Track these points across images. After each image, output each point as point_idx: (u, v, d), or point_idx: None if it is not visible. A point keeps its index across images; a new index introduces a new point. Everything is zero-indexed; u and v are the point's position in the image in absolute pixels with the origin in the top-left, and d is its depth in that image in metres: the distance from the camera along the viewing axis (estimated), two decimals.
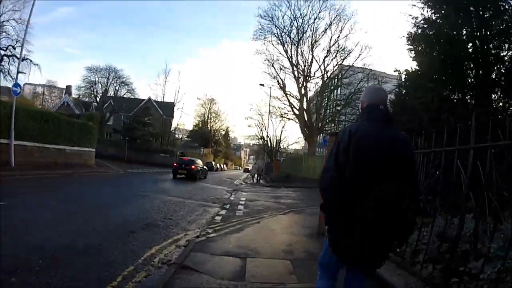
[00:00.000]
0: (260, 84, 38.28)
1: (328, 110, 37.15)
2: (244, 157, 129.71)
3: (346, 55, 35.49)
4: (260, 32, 37.12)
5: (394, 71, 9.46)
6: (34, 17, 48.47)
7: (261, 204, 14.38)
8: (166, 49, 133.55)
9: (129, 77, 55.66)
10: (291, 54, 36.09)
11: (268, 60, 37.50)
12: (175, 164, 27.62)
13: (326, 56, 35.85)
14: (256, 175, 37.49)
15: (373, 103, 2.79)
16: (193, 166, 26.14)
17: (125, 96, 55.03)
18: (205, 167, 32.99)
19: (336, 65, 36.17)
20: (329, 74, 36.57)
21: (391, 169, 2.47)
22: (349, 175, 2.52)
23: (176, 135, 72.44)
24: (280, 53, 36.66)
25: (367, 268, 2.84)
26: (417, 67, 8.35)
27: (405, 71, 8.66)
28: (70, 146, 22.38)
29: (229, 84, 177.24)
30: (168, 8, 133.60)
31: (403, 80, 9.10)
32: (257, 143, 62.80)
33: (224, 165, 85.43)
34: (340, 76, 35.97)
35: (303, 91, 36.45)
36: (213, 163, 63.74)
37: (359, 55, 34.91)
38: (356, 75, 35.53)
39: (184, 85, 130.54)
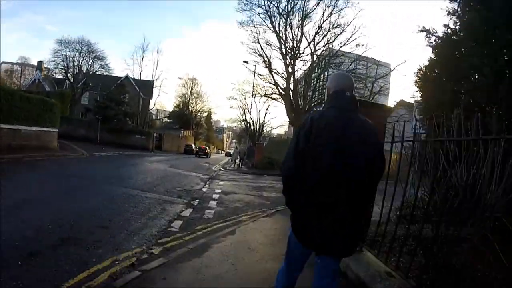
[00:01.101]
0: (244, 61, 35.25)
1: (316, 92, 33.92)
2: (227, 141, 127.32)
3: (339, 33, 32.54)
4: (246, 2, 33.48)
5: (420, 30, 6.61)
6: None
7: (240, 199, 11.69)
8: (147, 28, 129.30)
9: (103, 52, 50.89)
10: (279, 29, 32.86)
11: (254, 36, 34.13)
12: (196, 150, 54.73)
13: (317, 33, 32.74)
14: (237, 160, 35.62)
15: (338, 89, 2.73)
16: (206, 150, 53.43)
17: (98, 72, 50.24)
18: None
19: (327, 43, 33.15)
20: (319, 53, 33.63)
21: (356, 158, 2.46)
22: (311, 162, 2.50)
23: (155, 116, 69.03)
24: (267, 27, 33.32)
25: (334, 256, 2.65)
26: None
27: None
28: (26, 126, 19.03)
29: (213, 66, 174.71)
30: None
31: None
32: (240, 126, 59.74)
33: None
34: (330, 55, 33.02)
35: (290, 70, 33.32)
36: (193, 146, 61.03)
37: (352, 34, 32.01)
38: (347, 57, 33.00)
39: (165, 64, 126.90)
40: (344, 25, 32.09)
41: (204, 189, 13.27)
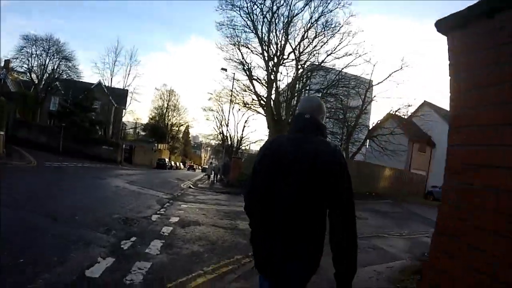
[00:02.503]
0: (222, 69, 31.44)
1: None
2: (205, 157, 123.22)
3: (325, 41, 29.39)
4: (226, 2, 29.54)
5: None
6: None
7: (203, 235, 7.92)
8: (129, 41, 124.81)
9: (72, 53, 45.53)
10: (262, 32, 29.43)
11: (235, 41, 30.38)
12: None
13: (303, 39, 29.47)
14: (212, 175, 32.34)
15: (299, 112, 2.58)
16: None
17: (64, 76, 44.98)
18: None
19: (313, 50, 29.82)
20: (303, 60, 30.34)
21: (313, 186, 2.25)
22: (264, 188, 2.40)
23: (128, 128, 64.30)
24: (250, 29, 29.73)
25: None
26: None
27: None
28: None
29: (193, 80, 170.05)
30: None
31: None
32: (217, 142, 55.48)
33: (181, 164, 78.41)
34: (314, 67, 30.01)
35: (272, 77, 29.71)
36: (166, 160, 57.06)
37: (340, 42, 28.88)
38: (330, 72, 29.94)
39: (145, 75, 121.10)
40: (332, 31, 28.98)
41: (155, 217, 9.39)
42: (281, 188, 2.32)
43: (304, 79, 30.73)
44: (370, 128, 32.31)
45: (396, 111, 30.29)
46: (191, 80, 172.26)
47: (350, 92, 30.09)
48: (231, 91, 31.98)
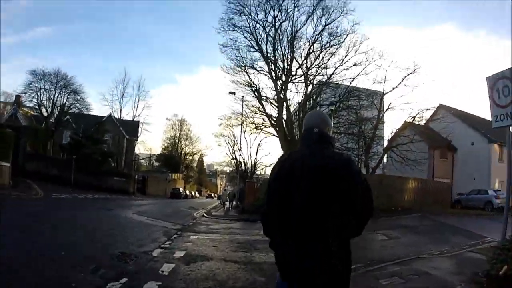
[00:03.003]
0: (230, 92, 30.18)
1: None
2: (221, 184, 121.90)
3: (333, 52, 28.27)
4: (228, 24, 28.89)
5: None
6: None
7: (211, 273, 6.52)
8: (139, 74, 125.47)
9: (81, 86, 44.98)
10: (267, 51, 28.45)
11: (240, 63, 29.46)
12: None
13: (309, 53, 28.43)
14: (227, 202, 31.39)
15: (307, 127, 2.65)
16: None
17: (74, 109, 44.58)
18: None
19: (320, 64, 28.77)
20: (312, 76, 29.24)
21: (327, 196, 2.29)
22: (281, 202, 2.42)
23: (141, 158, 63.10)
24: (254, 48, 28.77)
25: None
26: None
27: None
28: None
29: (204, 109, 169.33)
30: (142, 32, 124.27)
31: None
32: (231, 167, 53.89)
33: (196, 192, 77.25)
34: (322, 82, 28.97)
35: (282, 96, 28.54)
36: (181, 189, 55.94)
37: (346, 54, 27.70)
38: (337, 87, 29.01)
39: (156, 106, 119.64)
40: (338, 41, 27.98)
41: (157, 251, 8.07)
42: (295, 196, 2.35)
43: (314, 96, 29.48)
44: (389, 138, 30.65)
45: (414, 117, 28.56)
46: (202, 109, 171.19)
47: (362, 103, 28.75)
48: (241, 114, 30.77)
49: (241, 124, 31.87)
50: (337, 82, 28.87)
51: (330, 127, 2.70)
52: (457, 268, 7.71)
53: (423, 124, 33.07)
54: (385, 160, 32.12)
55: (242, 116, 30.90)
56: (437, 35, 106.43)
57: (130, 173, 43.57)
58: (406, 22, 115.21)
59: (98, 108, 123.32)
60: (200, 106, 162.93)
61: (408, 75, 27.44)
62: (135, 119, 54.73)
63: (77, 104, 45.10)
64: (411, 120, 29.19)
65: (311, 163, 2.37)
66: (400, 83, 27.86)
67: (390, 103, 28.56)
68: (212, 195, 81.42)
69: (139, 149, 56.98)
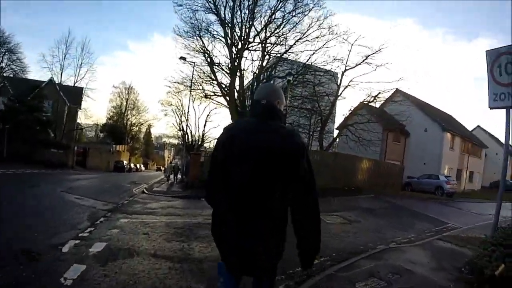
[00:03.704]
0: (181, 58, 27.41)
1: None
2: (168, 157, 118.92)
3: (296, 22, 26.51)
4: None
5: None
6: None
7: (131, 278, 4.90)
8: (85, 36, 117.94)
9: (18, 46, 40.95)
10: (225, 14, 26.07)
11: (195, 25, 26.74)
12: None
13: (269, 23, 26.39)
14: (171, 176, 30.70)
15: (256, 99, 2.64)
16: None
17: (8, 71, 40.62)
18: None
19: (281, 35, 26.89)
20: (269, 45, 27.29)
21: (270, 168, 2.31)
22: (227, 176, 2.39)
23: (82, 128, 58.77)
24: (210, 9, 26.19)
25: (258, 278, 2.53)
26: None
27: None
28: None
29: (155, 81, 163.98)
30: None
31: None
32: (178, 139, 51.16)
33: (142, 165, 74.39)
34: (280, 56, 27.38)
35: (236, 63, 26.41)
36: (125, 162, 53.33)
37: (310, 27, 26.23)
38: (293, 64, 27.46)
39: (106, 77, 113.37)
40: (302, 11, 26.14)
41: (69, 245, 6.32)
42: (237, 172, 2.32)
43: (270, 69, 27.96)
44: (346, 116, 30.06)
45: (374, 97, 28.10)
46: (153, 79, 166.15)
47: (320, 79, 27.83)
48: (191, 80, 28.50)
49: (190, 91, 29.66)
50: (296, 56, 27.59)
51: (281, 101, 2.64)
52: (436, 263, 6.77)
53: (378, 107, 33.56)
54: (340, 138, 31.58)
55: (191, 83, 28.70)
56: (399, 28, 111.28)
57: (68, 144, 40.43)
58: (370, 13, 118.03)
59: (37, 71, 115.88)
60: (151, 76, 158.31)
61: (373, 53, 26.94)
62: (77, 84, 51.02)
63: (13, 66, 41.19)
64: (371, 100, 28.82)
65: (255, 138, 2.35)
66: (363, 60, 27.27)
67: (351, 80, 27.90)
68: (161, 168, 79.10)
69: (81, 118, 53.10)
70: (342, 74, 28.14)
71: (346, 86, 28.09)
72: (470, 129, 53.86)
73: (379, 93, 27.98)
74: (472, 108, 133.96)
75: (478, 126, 59.53)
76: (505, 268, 4.91)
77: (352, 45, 27.35)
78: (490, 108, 6.70)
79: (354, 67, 27.79)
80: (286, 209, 2.39)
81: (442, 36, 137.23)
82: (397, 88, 30.28)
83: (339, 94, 28.55)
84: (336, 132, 32.41)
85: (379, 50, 26.85)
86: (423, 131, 37.04)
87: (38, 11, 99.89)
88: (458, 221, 13.65)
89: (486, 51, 6.90)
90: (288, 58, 27.56)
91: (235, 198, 2.31)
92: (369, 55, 26.93)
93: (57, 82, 48.56)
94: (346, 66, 27.74)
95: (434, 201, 23.06)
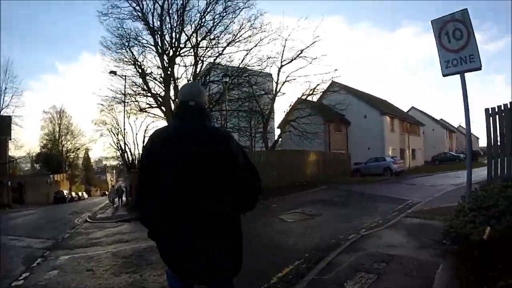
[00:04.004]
0: (111, 72, 25.98)
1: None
2: (111, 180, 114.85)
3: (227, 25, 25.91)
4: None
5: None
6: None
7: None
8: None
9: None
10: (153, 21, 24.87)
11: (123, 34, 25.37)
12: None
13: (200, 27, 25.54)
14: (116, 199, 29.75)
15: (183, 100, 2.54)
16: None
17: None
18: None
19: (212, 38, 26.10)
20: (201, 50, 26.40)
21: (201, 175, 2.27)
22: (158, 184, 2.30)
23: (14, 160, 54.63)
24: (138, 17, 24.99)
25: (205, 284, 2.42)
26: None
27: None
28: None
29: (87, 102, 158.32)
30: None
31: None
32: (118, 159, 48.33)
33: (84, 193, 70.25)
34: (217, 55, 26.43)
35: (169, 72, 25.30)
36: (65, 192, 50.45)
37: (241, 28, 25.81)
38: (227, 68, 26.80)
39: (35, 103, 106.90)
40: (233, 11, 25.52)
41: None
42: (167, 176, 2.27)
43: (204, 75, 26.87)
44: (287, 112, 30.38)
45: (313, 89, 28.71)
46: (84, 100, 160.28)
47: (257, 79, 27.81)
48: (124, 94, 26.96)
49: (124, 105, 27.90)
50: (229, 58, 27.21)
51: (206, 100, 2.61)
52: (415, 241, 6.49)
53: (316, 100, 33.99)
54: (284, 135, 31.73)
55: (124, 97, 27.19)
56: (327, 26, 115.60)
57: (1, 181, 37.64)
58: (297, 13, 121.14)
59: None
60: (82, 98, 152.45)
61: (307, 47, 27.29)
62: (2, 112, 46.29)
63: None
64: (311, 93, 29.24)
65: (187, 142, 2.30)
66: (298, 55, 27.53)
67: (288, 76, 28.13)
68: (106, 193, 76.24)
69: (11, 150, 49.32)
70: (279, 71, 28.18)
71: (284, 82, 28.25)
72: (405, 110, 55.92)
73: (318, 85, 28.62)
74: (405, 90, 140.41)
75: (413, 107, 62.94)
76: (492, 230, 4.94)
77: (286, 40, 28.14)
78: (444, 76, 6.76)
79: (290, 62, 28.12)
80: (224, 210, 2.29)
81: (366, 30, 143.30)
82: (333, 80, 30.78)
83: (277, 90, 28.59)
84: (278, 131, 32.68)
85: (312, 43, 27.33)
86: (363, 117, 38.04)
87: None
88: (416, 196, 13.68)
89: (431, 21, 6.99)
90: (221, 63, 27.04)
91: (165, 203, 2.26)
92: (304, 49, 27.30)
93: None
94: (281, 62, 27.90)
95: (386, 182, 23.40)
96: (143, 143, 34.89)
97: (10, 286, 6.10)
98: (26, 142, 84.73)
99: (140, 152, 35.75)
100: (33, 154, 64.40)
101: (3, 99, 46.82)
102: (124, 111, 28.43)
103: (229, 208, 2.30)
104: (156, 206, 2.29)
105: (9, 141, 45.21)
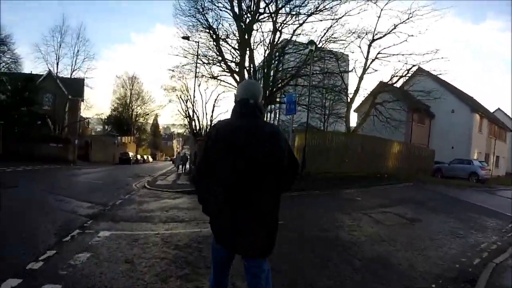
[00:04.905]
0: (184, 37, 24.55)
1: (280, 73, 24.37)
2: (177, 148, 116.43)
3: None
4: None
5: None
6: None
7: None
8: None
9: (10, 36, 37.43)
10: None
11: (197, 1, 23.60)
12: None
13: None
14: (180, 166, 30.80)
15: (243, 97, 2.74)
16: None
17: (3, 65, 37.22)
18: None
19: (293, 8, 23.01)
20: (280, 19, 23.44)
21: (263, 168, 2.51)
22: (218, 170, 2.58)
23: (84, 120, 55.23)
24: None
25: (253, 255, 2.66)
26: None
27: None
28: None
29: (160, 72, 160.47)
30: None
31: None
32: (185, 127, 47.19)
33: (150, 157, 72.00)
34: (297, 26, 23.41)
35: (246, 36, 23.00)
36: (131, 154, 50.88)
37: None
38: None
39: (110, 70, 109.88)
40: None
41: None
42: (230, 164, 2.51)
43: (281, 49, 24.39)
44: (373, 90, 27.34)
45: (408, 70, 25.89)
46: (157, 70, 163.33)
47: (345, 50, 24.59)
48: (196, 55, 25.25)
49: (195, 71, 26.53)
50: (311, 29, 26.44)
51: (261, 97, 2.85)
52: None
53: (399, 87, 29.66)
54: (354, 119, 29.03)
55: (197, 61, 25.59)
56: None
57: (68, 138, 38.01)
58: None
59: (30, 62, 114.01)
60: (155, 68, 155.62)
61: (402, 22, 24.33)
62: (74, 73, 47.41)
63: (4, 58, 37.84)
64: (404, 74, 26.38)
65: (245, 137, 2.52)
66: (391, 30, 24.72)
67: (379, 53, 25.36)
68: (169, 158, 77.52)
69: (83, 111, 49.92)
70: (369, 45, 25.43)
71: (374, 59, 25.38)
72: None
73: (413, 66, 25.63)
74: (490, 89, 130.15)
75: (499, 109, 54.39)
76: None
77: (382, 9, 24.54)
78: None
79: (381, 38, 25.20)
80: (270, 200, 2.57)
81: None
82: (419, 67, 27.16)
83: (367, 66, 25.69)
84: (354, 114, 30.11)
85: (408, 18, 24.26)
86: (450, 112, 34.08)
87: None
88: None
89: None
90: (302, 34, 23.97)
91: (223, 192, 2.53)
92: (397, 24, 24.46)
93: (53, 72, 45.58)
94: (374, 35, 24.97)
95: (476, 190, 20.19)
96: (212, 112, 33.64)
97: (23, 271, 4.43)
98: (98, 105, 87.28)
99: (208, 121, 34.68)
100: (102, 115, 64.85)
101: (75, 61, 47.43)
102: (195, 78, 26.96)
103: (275, 197, 2.59)
104: (215, 191, 2.60)
105: (81, 102, 45.99)
